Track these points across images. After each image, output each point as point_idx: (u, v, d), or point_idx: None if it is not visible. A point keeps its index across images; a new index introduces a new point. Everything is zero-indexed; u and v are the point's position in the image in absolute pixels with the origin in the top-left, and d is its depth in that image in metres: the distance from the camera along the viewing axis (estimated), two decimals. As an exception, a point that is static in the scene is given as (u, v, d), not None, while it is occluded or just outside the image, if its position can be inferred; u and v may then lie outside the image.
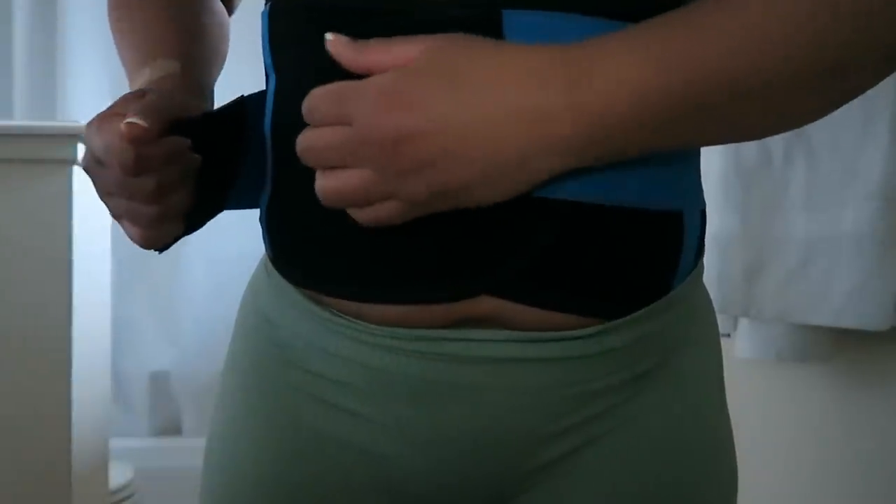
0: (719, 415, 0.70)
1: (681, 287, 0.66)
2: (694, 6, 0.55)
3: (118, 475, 1.97)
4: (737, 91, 0.54)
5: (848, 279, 1.28)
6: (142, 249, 0.68)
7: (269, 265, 0.69)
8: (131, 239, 0.66)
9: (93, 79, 2.51)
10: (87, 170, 0.65)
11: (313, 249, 0.65)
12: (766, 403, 1.63)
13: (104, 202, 0.66)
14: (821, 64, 0.54)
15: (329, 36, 0.56)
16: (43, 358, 1.54)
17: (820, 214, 1.33)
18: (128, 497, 1.99)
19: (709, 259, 1.44)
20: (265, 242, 0.70)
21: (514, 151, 0.53)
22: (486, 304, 0.61)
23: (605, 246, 0.61)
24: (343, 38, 0.55)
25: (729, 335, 1.54)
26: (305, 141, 0.56)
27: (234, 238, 2.40)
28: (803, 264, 1.34)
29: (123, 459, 2.12)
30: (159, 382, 2.67)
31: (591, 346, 0.62)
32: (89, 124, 0.62)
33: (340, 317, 0.64)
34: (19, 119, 2.48)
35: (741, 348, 1.49)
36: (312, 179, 0.57)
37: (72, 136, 1.54)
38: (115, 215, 0.66)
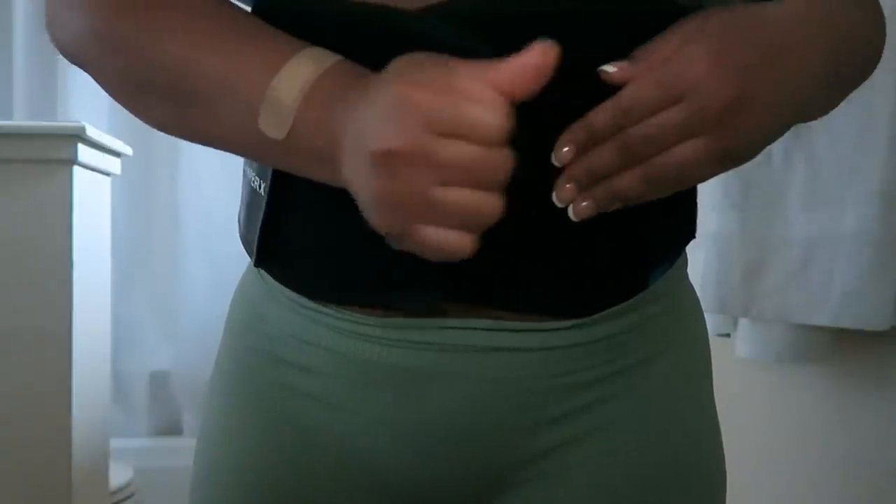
0: (705, 418, 0.70)
1: (660, 282, 0.67)
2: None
3: (118, 475, 1.97)
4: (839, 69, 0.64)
5: (848, 279, 1.28)
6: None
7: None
8: (448, 253, 0.51)
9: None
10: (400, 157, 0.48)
11: (303, 256, 0.65)
12: (765, 403, 1.63)
13: (409, 210, 0.50)
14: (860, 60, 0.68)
15: (611, 68, 0.57)
16: (43, 358, 1.54)
17: (820, 214, 1.32)
18: (128, 497, 1.99)
19: (709, 259, 1.45)
20: (251, 246, 0.69)
21: (803, 81, 0.60)
22: (466, 303, 0.63)
23: (578, 250, 0.62)
24: (624, 64, 0.57)
25: (729, 335, 1.54)
26: (642, 135, 0.56)
27: (234, 238, 2.39)
28: (803, 264, 1.34)
29: (123, 459, 2.12)
30: (159, 382, 2.67)
31: (570, 336, 0.64)
32: (410, 100, 0.48)
33: (323, 306, 0.65)
34: (19, 119, 2.48)
35: (741, 348, 1.49)
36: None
37: (72, 136, 1.54)
38: (435, 220, 0.50)
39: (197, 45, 0.58)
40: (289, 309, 0.67)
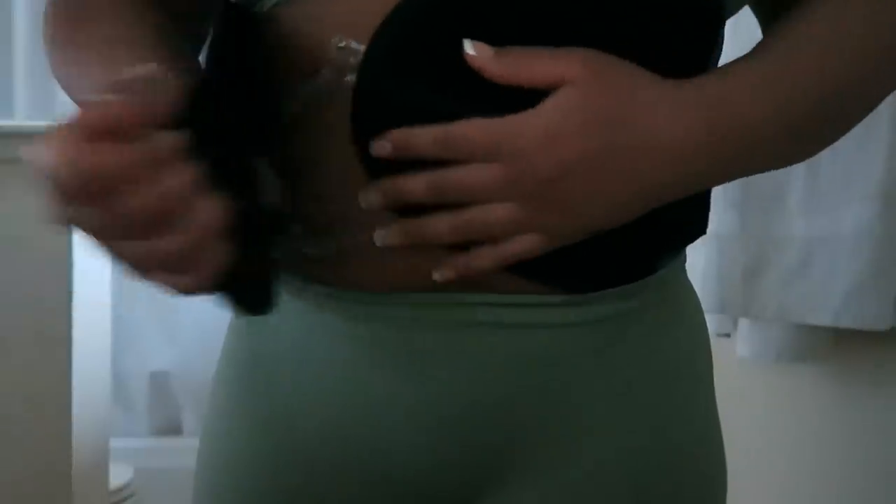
0: (707, 415, 0.70)
1: (661, 273, 0.67)
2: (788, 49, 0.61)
3: (118, 475, 1.97)
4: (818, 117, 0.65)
5: (848, 279, 1.28)
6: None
7: None
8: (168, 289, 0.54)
9: (93, 79, 2.51)
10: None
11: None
12: (766, 403, 1.63)
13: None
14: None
15: (469, 47, 0.54)
16: (43, 358, 1.54)
17: (820, 215, 1.32)
18: (128, 497, 1.99)
19: (709, 259, 1.45)
20: None
21: (651, 187, 0.57)
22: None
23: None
24: (487, 50, 0.54)
25: (729, 335, 1.54)
26: (452, 179, 0.55)
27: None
28: (803, 264, 1.34)
29: (123, 459, 2.12)
30: (159, 382, 2.67)
31: (571, 314, 0.63)
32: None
33: (326, 286, 0.64)
34: (19, 119, 2.48)
35: (741, 348, 1.49)
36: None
37: (72, 136, 1.54)
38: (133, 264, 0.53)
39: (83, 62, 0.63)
40: (295, 296, 0.66)
